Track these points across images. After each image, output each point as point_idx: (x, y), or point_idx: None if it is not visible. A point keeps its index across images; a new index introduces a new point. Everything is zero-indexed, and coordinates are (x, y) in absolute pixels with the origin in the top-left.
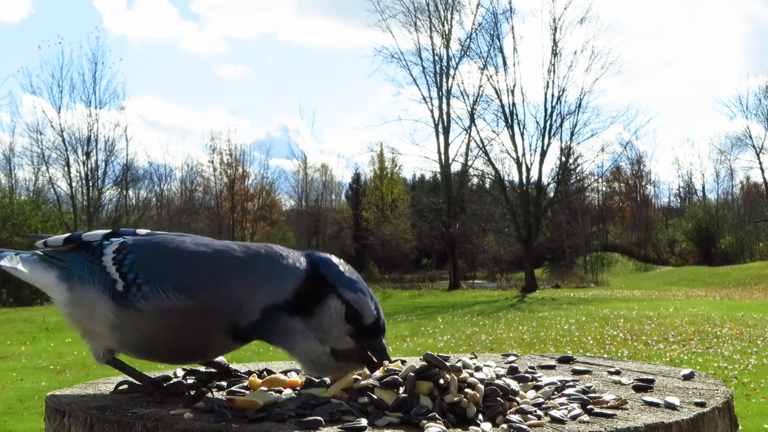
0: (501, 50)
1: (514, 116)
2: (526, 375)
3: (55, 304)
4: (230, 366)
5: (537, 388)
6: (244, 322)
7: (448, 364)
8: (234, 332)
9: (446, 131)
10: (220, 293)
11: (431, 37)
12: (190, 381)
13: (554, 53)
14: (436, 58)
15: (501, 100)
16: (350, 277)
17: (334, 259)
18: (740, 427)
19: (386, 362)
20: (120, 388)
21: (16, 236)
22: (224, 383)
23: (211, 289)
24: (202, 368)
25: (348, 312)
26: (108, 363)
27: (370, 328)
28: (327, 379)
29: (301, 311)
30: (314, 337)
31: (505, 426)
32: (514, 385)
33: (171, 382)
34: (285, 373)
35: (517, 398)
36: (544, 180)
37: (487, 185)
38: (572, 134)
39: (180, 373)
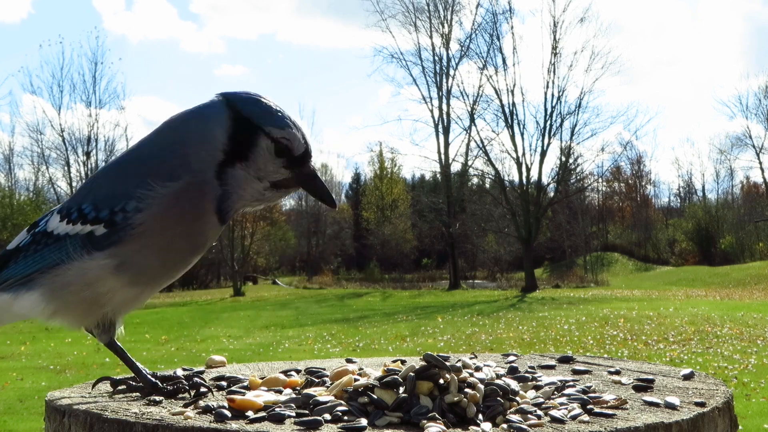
0: (501, 50)
1: (514, 116)
2: (526, 375)
3: (34, 317)
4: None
5: (537, 388)
6: (215, 192)
7: (448, 364)
8: (219, 202)
9: (446, 131)
10: (191, 163)
11: (431, 37)
12: (189, 381)
13: (554, 53)
14: (436, 58)
15: (501, 100)
16: (275, 113)
17: (252, 94)
18: (740, 427)
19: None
20: (119, 388)
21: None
22: (224, 383)
23: (184, 163)
24: (202, 368)
25: (278, 147)
26: (108, 345)
27: (300, 158)
28: (327, 379)
29: (238, 157)
30: (254, 177)
31: (505, 426)
32: (514, 385)
33: (171, 383)
34: (285, 373)
35: (517, 398)
36: (544, 180)
37: (487, 185)
38: (572, 134)
39: (180, 372)
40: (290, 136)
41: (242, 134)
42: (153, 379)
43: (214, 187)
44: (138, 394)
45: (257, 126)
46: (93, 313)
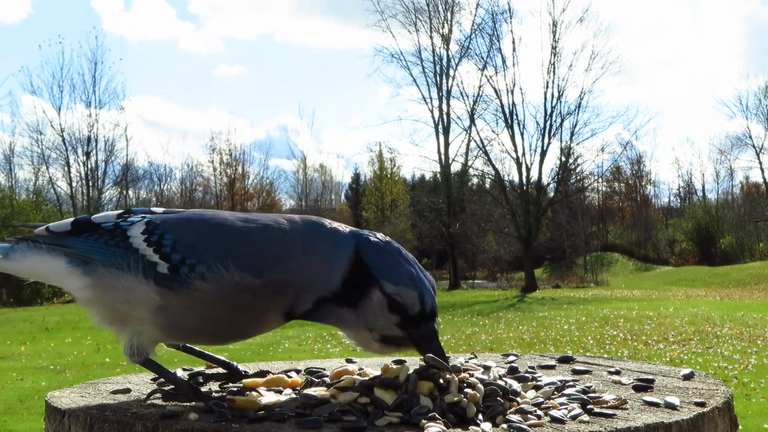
0: (500, 50)
1: (514, 116)
2: (526, 375)
3: (69, 291)
4: (239, 367)
5: (537, 388)
6: (299, 310)
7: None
8: (288, 315)
9: (446, 131)
10: (285, 271)
11: (431, 38)
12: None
13: (554, 53)
14: (436, 58)
15: (501, 100)
16: (394, 266)
17: (380, 240)
18: (740, 427)
19: (437, 356)
20: (153, 396)
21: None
22: (230, 384)
23: (276, 267)
24: (198, 369)
25: (391, 304)
26: (142, 364)
27: (416, 318)
28: (327, 380)
29: (347, 301)
30: (363, 324)
31: (505, 426)
32: (515, 385)
33: (205, 388)
34: (285, 373)
35: (518, 398)
36: (544, 180)
37: (487, 185)
38: (572, 134)
39: (180, 372)
40: (404, 295)
41: (357, 280)
42: (193, 386)
43: (303, 298)
44: (175, 401)
45: (373, 276)
46: (117, 323)
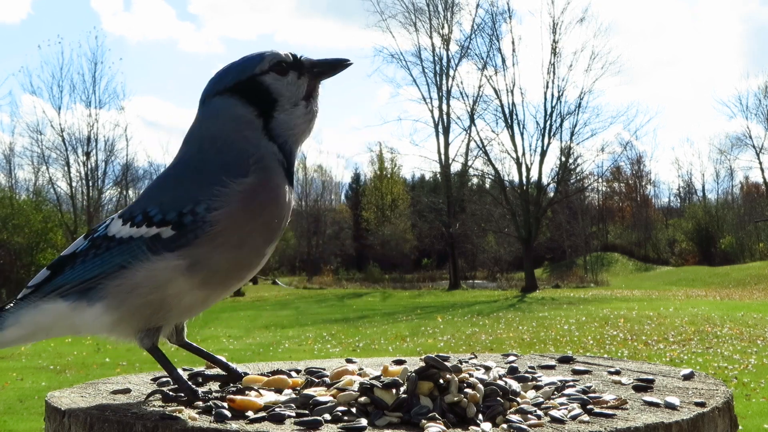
0: (500, 50)
1: (514, 116)
2: (526, 375)
3: (82, 330)
4: (238, 368)
5: (537, 388)
6: (277, 156)
7: (448, 364)
8: (286, 171)
9: (446, 131)
10: (243, 152)
11: (431, 38)
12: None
13: (554, 53)
14: (436, 58)
15: (501, 100)
16: (243, 61)
17: (217, 73)
18: (740, 427)
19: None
20: (152, 397)
21: (16, 236)
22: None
23: (239, 159)
24: (209, 371)
25: (278, 71)
26: (150, 351)
27: (296, 60)
28: (327, 380)
29: (268, 110)
30: (291, 108)
31: (505, 426)
32: (514, 385)
33: (205, 389)
34: (285, 373)
35: (518, 398)
36: (544, 180)
37: (487, 185)
38: (572, 134)
39: (180, 373)
40: (273, 57)
41: (251, 94)
42: (192, 387)
43: (273, 152)
44: (174, 403)
45: (249, 78)
46: (157, 318)
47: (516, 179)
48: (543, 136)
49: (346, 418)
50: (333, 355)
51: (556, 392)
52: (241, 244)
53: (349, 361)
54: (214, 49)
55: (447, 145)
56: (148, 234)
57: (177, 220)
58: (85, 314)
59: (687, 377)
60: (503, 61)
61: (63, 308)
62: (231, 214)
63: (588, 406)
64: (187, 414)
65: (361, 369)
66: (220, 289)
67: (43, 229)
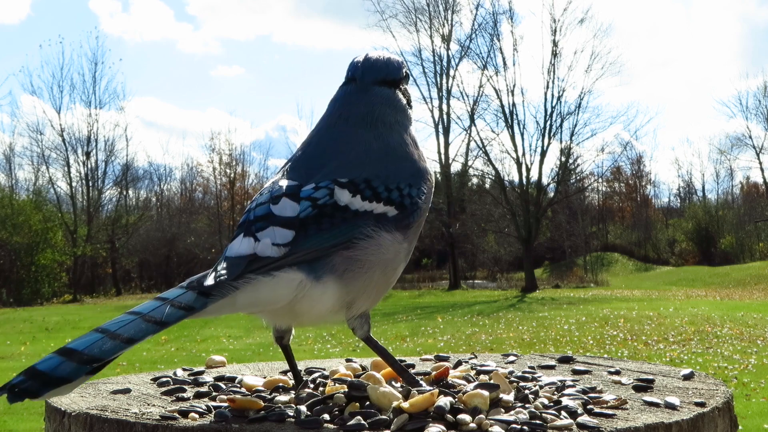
0: (500, 50)
1: (514, 116)
2: (526, 375)
3: (305, 309)
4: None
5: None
6: None
7: (447, 363)
8: None
9: (446, 131)
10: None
11: (431, 38)
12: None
13: (554, 53)
14: (436, 58)
15: (501, 100)
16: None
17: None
18: (740, 427)
19: None
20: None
21: (16, 236)
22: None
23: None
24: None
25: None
26: (366, 341)
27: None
28: (327, 380)
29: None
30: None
31: (505, 426)
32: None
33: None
34: (285, 373)
35: (517, 399)
36: (544, 180)
37: (487, 185)
38: (572, 134)
39: (180, 373)
40: (406, 66)
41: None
42: (414, 376)
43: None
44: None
45: (404, 78)
46: (377, 300)
47: (516, 179)
48: (543, 136)
49: (346, 418)
50: (333, 355)
51: (556, 392)
52: (416, 239)
53: (349, 361)
54: (211, 49)
55: (447, 145)
56: (376, 210)
57: (399, 200)
58: (314, 290)
59: (687, 377)
60: (504, 61)
61: (297, 279)
62: (425, 210)
63: (588, 406)
64: (192, 415)
65: (360, 369)
66: (392, 279)
67: (43, 229)
